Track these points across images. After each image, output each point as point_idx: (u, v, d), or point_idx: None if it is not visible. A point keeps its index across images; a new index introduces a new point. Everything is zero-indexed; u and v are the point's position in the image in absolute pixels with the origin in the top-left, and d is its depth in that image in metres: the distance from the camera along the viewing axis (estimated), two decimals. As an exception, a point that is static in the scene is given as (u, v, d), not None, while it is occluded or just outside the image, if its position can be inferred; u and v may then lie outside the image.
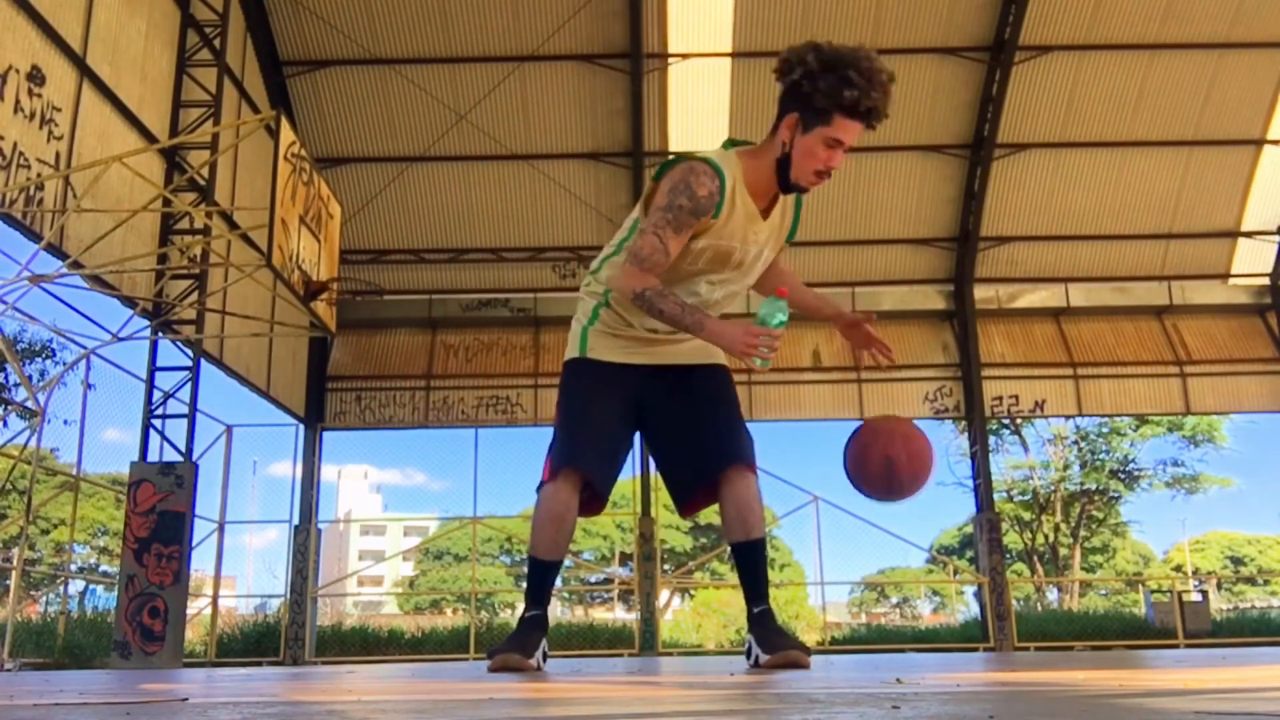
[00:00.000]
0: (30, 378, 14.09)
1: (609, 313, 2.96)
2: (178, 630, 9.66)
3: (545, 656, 2.98)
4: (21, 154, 7.82)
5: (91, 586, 18.95)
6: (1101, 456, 28.60)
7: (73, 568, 20.03)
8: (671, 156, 2.92)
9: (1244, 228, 14.70)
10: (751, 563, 3.00)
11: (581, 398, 2.98)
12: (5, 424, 11.61)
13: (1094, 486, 28.59)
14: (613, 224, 13.95)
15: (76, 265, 8.27)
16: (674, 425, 3.00)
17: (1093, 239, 14.65)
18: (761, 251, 2.89)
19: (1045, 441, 29.03)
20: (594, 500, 3.00)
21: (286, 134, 8.03)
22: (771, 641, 2.87)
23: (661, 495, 14.29)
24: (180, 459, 10.08)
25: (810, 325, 14.75)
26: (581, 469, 2.91)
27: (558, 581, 3.22)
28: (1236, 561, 38.11)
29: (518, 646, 2.85)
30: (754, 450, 2.99)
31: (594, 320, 2.98)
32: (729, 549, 3.05)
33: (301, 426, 14.06)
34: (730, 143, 2.87)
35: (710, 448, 2.97)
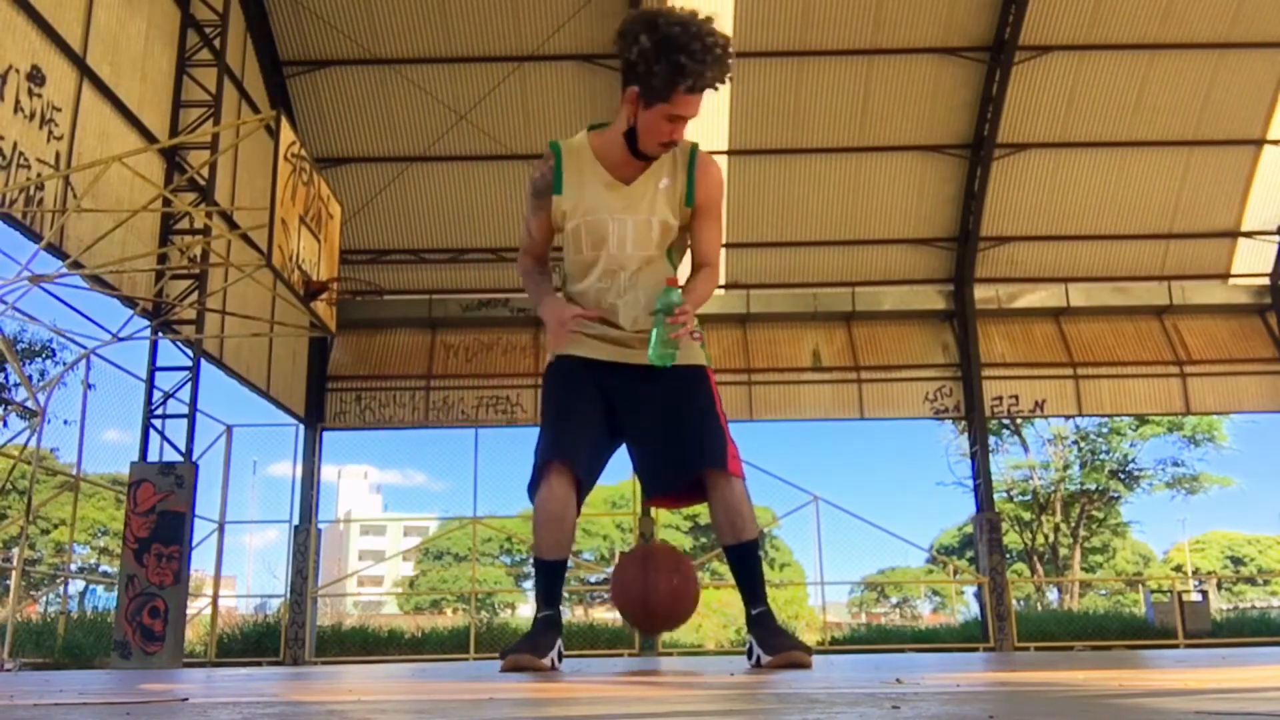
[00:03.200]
0: (30, 378, 14.09)
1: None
2: (178, 630, 9.66)
3: (561, 656, 2.96)
4: (21, 154, 7.82)
5: (91, 586, 18.96)
6: (1101, 456, 28.62)
7: (73, 568, 20.03)
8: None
9: (1244, 228, 14.70)
10: (745, 565, 2.99)
11: (557, 394, 3.02)
12: (5, 424, 11.62)
13: (1094, 486, 28.60)
14: (613, 224, 13.95)
15: (76, 265, 8.28)
16: (640, 425, 2.99)
17: (1093, 239, 14.65)
18: (649, 220, 2.88)
19: (1045, 441, 29.07)
20: (580, 490, 3.02)
21: (286, 134, 8.03)
22: (773, 642, 2.87)
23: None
24: (180, 459, 10.08)
25: (811, 325, 14.77)
26: (565, 458, 2.90)
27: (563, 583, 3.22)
28: (1236, 561, 38.12)
29: (530, 646, 2.85)
30: (724, 451, 2.92)
31: None
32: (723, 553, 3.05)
33: (301, 426, 14.06)
34: (590, 125, 2.97)
35: (674, 452, 2.94)
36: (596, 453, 2.99)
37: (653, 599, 2.90)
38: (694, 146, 2.92)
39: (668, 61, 2.60)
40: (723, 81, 2.68)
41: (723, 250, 15.15)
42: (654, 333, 2.72)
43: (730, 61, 2.66)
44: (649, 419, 2.96)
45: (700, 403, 2.98)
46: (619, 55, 2.72)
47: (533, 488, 2.93)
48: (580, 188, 2.88)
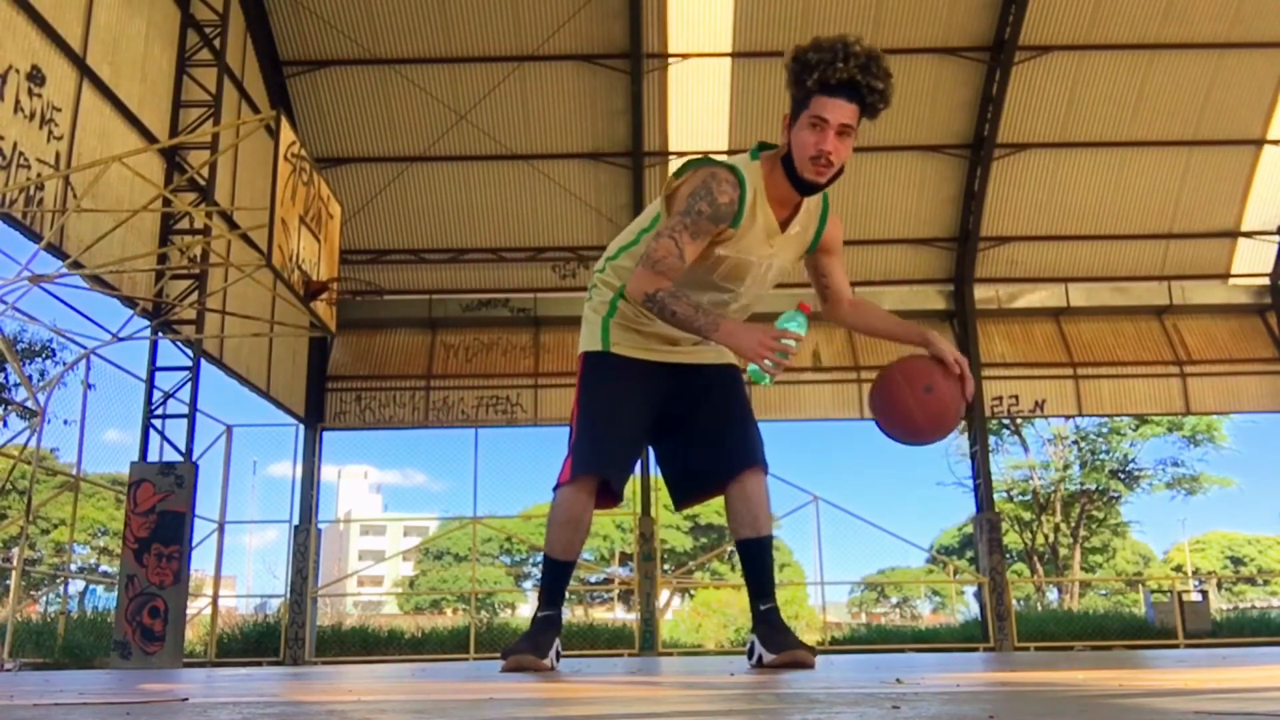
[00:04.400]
0: (30, 378, 14.09)
1: (627, 305, 2.93)
2: (178, 630, 9.66)
3: (559, 656, 2.97)
4: (21, 154, 7.82)
5: (91, 586, 18.94)
6: (1101, 456, 28.61)
7: (73, 568, 20.03)
8: (696, 157, 2.90)
9: (1244, 228, 14.69)
10: (759, 560, 3.00)
11: (606, 395, 2.94)
12: (5, 424, 11.62)
13: (1094, 486, 28.59)
14: (613, 224, 13.95)
15: (76, 265, 8.27)
16: (692, 425, 3.00)
17: (1093, 239, 14.65)
18: (774, 263, 2.87)
19: (1045, 441, 29.06)
20: (608, 496, 3.01)
21: (286, 134, 8.03)
22: (776, 641, 2.87)
23: (662, 495, 14.28)
24: (180, 459, 10.08)
25: (811, 325, 14.72)
26: (603, 474, 2.90)
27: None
28: (1236, 561, 38.11)
29: (531, 646, 2.85)
30: (764, 448, 3.01)
31: (613, 312, 2.95)
32: (735, 545, 3.03)
33: (301, 426, 14.05)
34: (761, 146, 2.82)
35: (730, 453, 2.97)
36: (632, 462, 3.02)
37: (918, 414, 2.70)
38: (826, 194, 2.82)
39: (801, 60, 2.59)
40: (864, 88, 2.54)
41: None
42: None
43: (876, 71, 2.55)
44: (701, 417, 2.99)
45: (743, 401, 3.05)
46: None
47: (560, 484, 2.92)
48: (750, 226, 2.75)
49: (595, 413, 2.93)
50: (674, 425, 3.02)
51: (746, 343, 2.56)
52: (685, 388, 2.99)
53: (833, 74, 2.55)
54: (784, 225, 2.81)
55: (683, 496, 3.09)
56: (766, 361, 2.52)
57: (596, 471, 2.89)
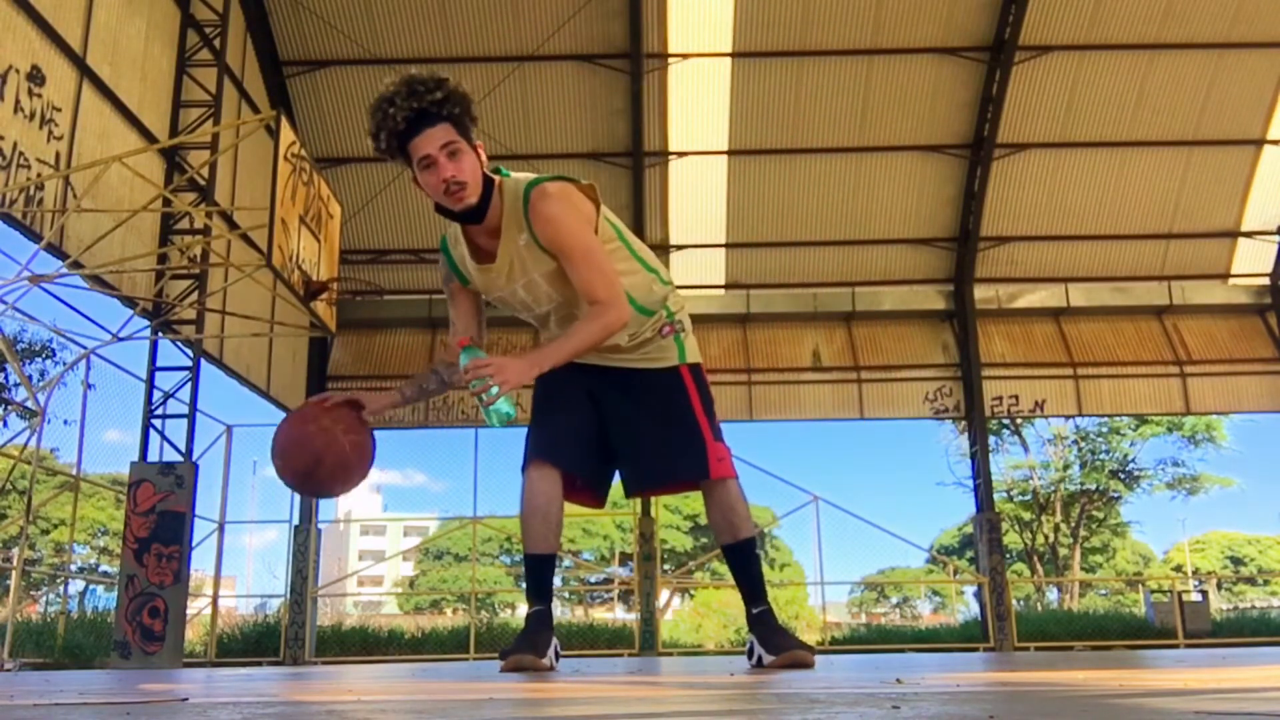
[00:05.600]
0: (30, 378, 14.08)
1: None
2: (178, 630, 9.66)
3: (558, 655, 2.97)
4: (21, 154, 7.82)
5: (91, 586, 18.94)
6: (1101, 456, 28.61)
7: (73, 568, 20.03)
8: None
9: (1244, 228, 14.69)
10: (743, 563, 3.00)
11: (539, 395, 3.03)
12: (5, 424, 11.62)
13: (1094, 486, 28.59)
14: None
15: (76, 265, 8.27)
16: (619, 427, 2.98)
17: (1093, 239, 14.65)
18: (530, 279, 2.80)
19: (1045, 441, 29.06)
20: (585, 489, 3.01)
21: (286, 134, 8.03)
22: (775, 642, 2.87)
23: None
24: (180, 459, 10.08)
25: (811, 325, 14.77)
26: (544, 456, 2.92)
27: (557, 580, 3.22)
28: (1236, 561, 38.11)
29: (529, 646, 2.84)
30: (703, 460, 2.90)
31: None
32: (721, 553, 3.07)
33: (301, 426, 14.02)
34: None
35: (651, 459, 2.95)
36: (584, 443, 2.97)
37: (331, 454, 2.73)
38: (526, 188, 2.70)
39: (375, 143, 2.63)
40: (423, 105, 2.56)
41: (722, 250, 14.96)
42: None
43: (419, 90, 2.56)
44: (627, 423, 2.95)
45: (674, 411, 2.94)
46: None
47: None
48: (469, 273, 2.88)
49: (535, 412, 3.02)
50: (611, 427, 2.99)
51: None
52: (616, 392, 2.97)
53: (393, 124, 2.58)
54: (487, 256, 2.80)
55: (628, 494, 3.13)
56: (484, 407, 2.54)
57: (538, 455, 2.91)
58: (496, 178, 2.73)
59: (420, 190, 2.70)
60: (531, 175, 2.77)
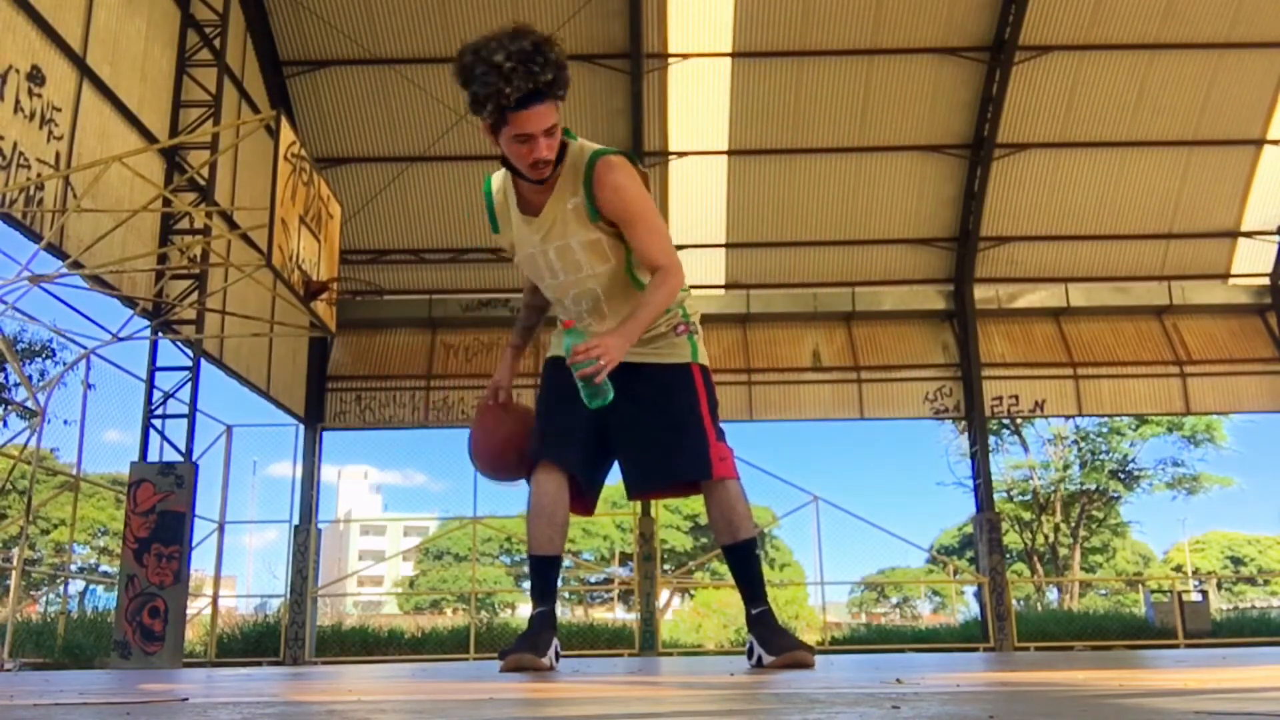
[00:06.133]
0: (30, 378, 14.09)
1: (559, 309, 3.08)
2: (178, 630, 9.66)
3: (558, 655, 2.97)
4: (21, 154, 7.82)
5: (91, 586, 18.95)
6: (1101, 456, 28.61)
7: (73, 568, 20.03)
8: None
9: (1244, 228, 14.69)
10: (743, 564, 3.00)
11: (542, 395, 3.07)
12: (5, 424, 11.62)
13: (1094, 486, 28.60)
14: (613, 224, 13.94)
15: (76, 265, 8.27)
16: (622, 425, 2.95)
17: (1093, 239, 14.65)
18: (566, 243, 2.82)
19: (1045, 441, 29.07)
20: (579, 496, 3.00)
21: (286, 134, 8.03)
22: (775, 642, 2.87)
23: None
24: (180, 459, 10.08)
25: (811, 325, 14.76)
26: (549, 458, 2.92)
27: (558, 579, 3.21)
28: (1236, 561, 38.12)
29: (529, 646, 2.85)
30: (705, 459, 2.89)
31: (556, 320, 3.05)
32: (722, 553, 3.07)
33: (301, 426, 14.05)
34: None
35: (654, 457, 2.94)
36: (587, 446, 2.96)
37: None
38: (592, 157, 2.76)
39: (471, 95, 2.63)
40: (540, 91, 2.58)
41: (721, 250, 14.96)
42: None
43: (540, 63, 2.60)
44: (630, 420, 2.92)
45: (679, 409, 2.93)
46: None
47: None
48: (508, 225, 2.93)
49: (538, 411, 3.06)
50: (615, 425, 2.96)
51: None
52: (626, 389, 2.91)
53: (506, 100, 2.59)
54: (534, 209, 2.83)
55: (630, 495, 3.14)
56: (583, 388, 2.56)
57: (543, 457, 2.93)
58: (566, 140, 2.77)
59: (491, 141, 2.71)
60: (596, 145, 2.82)
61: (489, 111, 2.61)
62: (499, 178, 2.92)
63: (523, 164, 2.69)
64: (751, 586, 2.98)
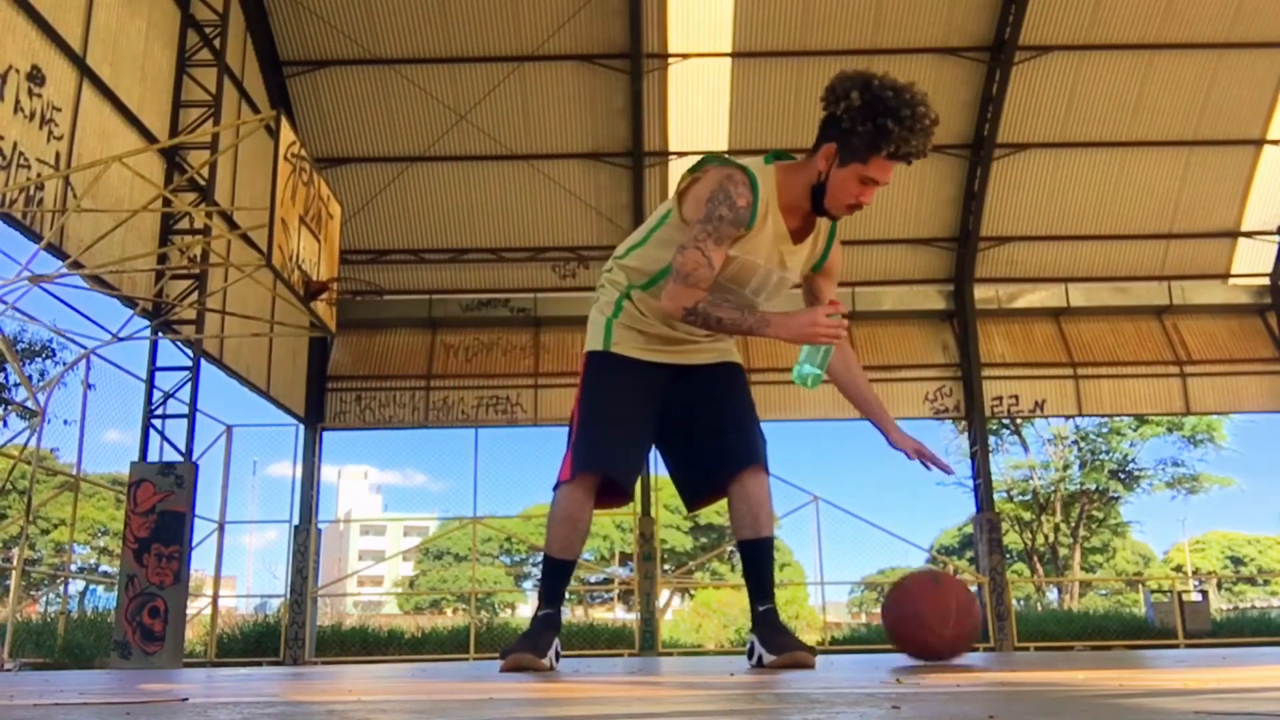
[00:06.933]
0: (30, 378, 14.09)
1: (632, 306, 2.94)
2: (178, 630, 9.66)
3: (558, 656, 2.97)
4: (21, 154, 7.82)
5: (91, 586, 18.95)
6: (1101, 456, 28.62)
7: (73, 568, 20.03)
8: (711, 154, 2.91)
9: (1244, 228, 14.69)
10: (758, 560, 3.00)
11: (605, 394, 2.94)
12: (5, 424, 11.62)
13: (1094, 486, 28.60)
14: (612, 224, 13.95)
15: (76, 265, 8.27)
16: (694, 426, 2.99)
17: (1093, 239, 14.65)
18: (785, 276, 2.86)
19: (1045, 441, 29.07)
20: (617, 493, 3.01)
21: (286, 134, 8.03)
22: (776, 641, 2.87)
23: (662, 495, 14.29)
24: (180, 459, 10.08)
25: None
26: (603, 471, 2.91)
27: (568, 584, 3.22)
28: (1236, 561, 38.11)
29: (530, 646, 2.84)
30: (765, 448, 3.01)
31: (618, 312, 2.95)
32: (736, 545, 3.04)
33: (301, 426, 14.05)
34: (772, 155, 2.87)
35: (729, 450, 2.96)
36: (636, 460, 3.00)
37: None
38: (835, 220, 2.90)
39: (874, 123, 2.58)
40: (922, 155, 2.64)
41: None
42: (806, 349, 2.63)
43: (932, 136, 2.63)
44: (703, 417, 2.98)
45: (746, 400, 3.04)
46: (825, 109, 2.69)
47: (560, 483, 2.92)
48: (760, 229, 2.76)
49: (595, 411, 2.93)
50: (677, 426, 3.01)
51: (800, 325, 2.63)
52: (687, 388, 2.99)
53: (903, 149, 2.61)
54: (796, 236, 2.83)
55: (692, 498, 3.08)
56: (808, 367, 2.62)
57: (596, 469, 2.90)
58: None
59: (825, 159, 2.70)
60: None
61: (871, 145, 2.61)
62: (765, 175, 2.78)
63: (846, 199, 2.72)
64: (762, 582, 2.98)
